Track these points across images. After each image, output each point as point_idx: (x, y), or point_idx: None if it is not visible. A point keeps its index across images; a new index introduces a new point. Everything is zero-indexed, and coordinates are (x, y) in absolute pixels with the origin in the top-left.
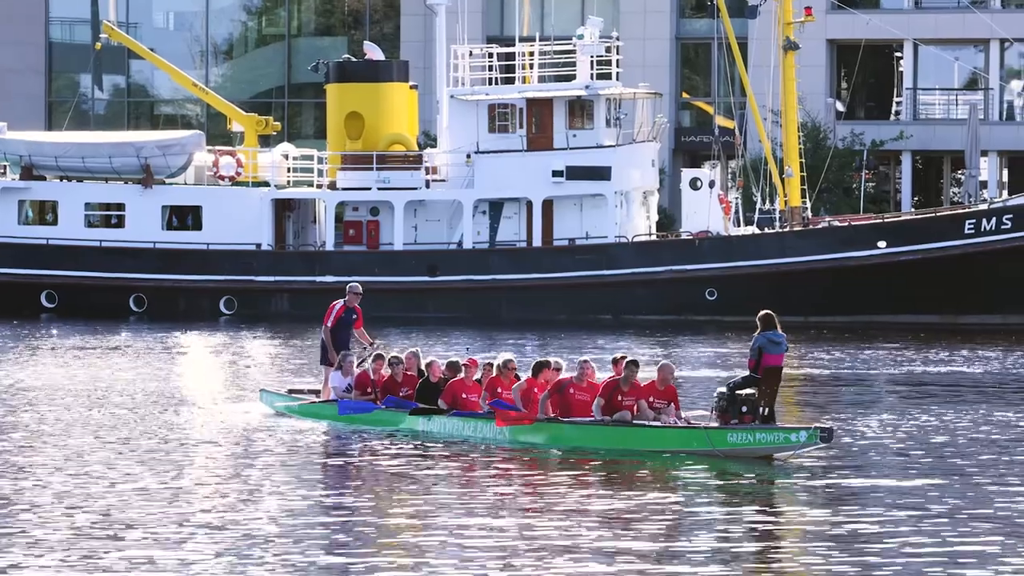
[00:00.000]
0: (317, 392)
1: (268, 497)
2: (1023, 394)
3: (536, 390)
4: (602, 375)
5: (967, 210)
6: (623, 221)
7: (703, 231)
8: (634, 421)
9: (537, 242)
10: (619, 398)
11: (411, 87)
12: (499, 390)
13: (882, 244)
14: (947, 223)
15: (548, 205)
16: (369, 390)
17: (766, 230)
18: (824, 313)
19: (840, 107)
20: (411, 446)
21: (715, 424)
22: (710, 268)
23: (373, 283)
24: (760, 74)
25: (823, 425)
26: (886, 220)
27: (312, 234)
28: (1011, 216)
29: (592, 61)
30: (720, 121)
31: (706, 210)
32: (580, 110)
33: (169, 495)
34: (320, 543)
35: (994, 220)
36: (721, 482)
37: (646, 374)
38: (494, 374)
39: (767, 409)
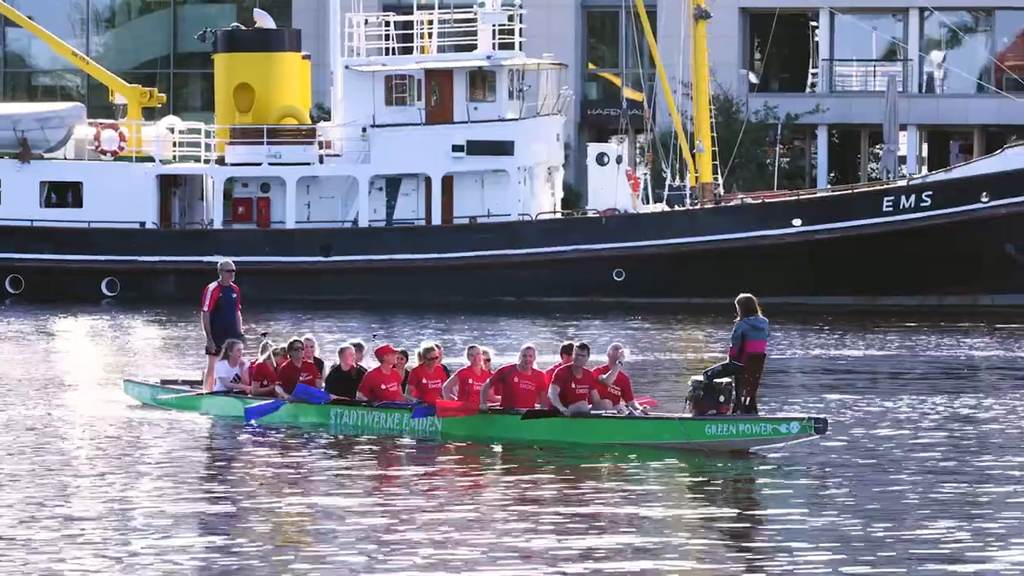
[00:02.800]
0: (193, 383)
1: (139, 499)
2: (948, 378)
3: (472, 380)
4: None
5: (885, 186)
6: (526, 198)
7: (610, 209)
8: (592, 412)
9: (436, 220)
10: (572, 386)
11: (303, 57)
12: (424, 381)
13: (797, 222)
14: (865, 200)
15: (448, 181)
16: (266, 382)
17: (676, 208)
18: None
19: (753, 79)
20: (324, 441)
21: (689, 415)
22: (617, 247)
23: (264, 263)
24: (670, 44)
25: (816, 415)
26: (801, 197)
27: (199, 212)
28: (931, 193)
29: (494, 30)
30: (628, 94)
31: (613, 187)
32: (481, 82)
33: (15, 495)
34: (196, 549)
35: (913, 197)
36: (687, 476)
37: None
38: (417, 363)
39: (748, 399)
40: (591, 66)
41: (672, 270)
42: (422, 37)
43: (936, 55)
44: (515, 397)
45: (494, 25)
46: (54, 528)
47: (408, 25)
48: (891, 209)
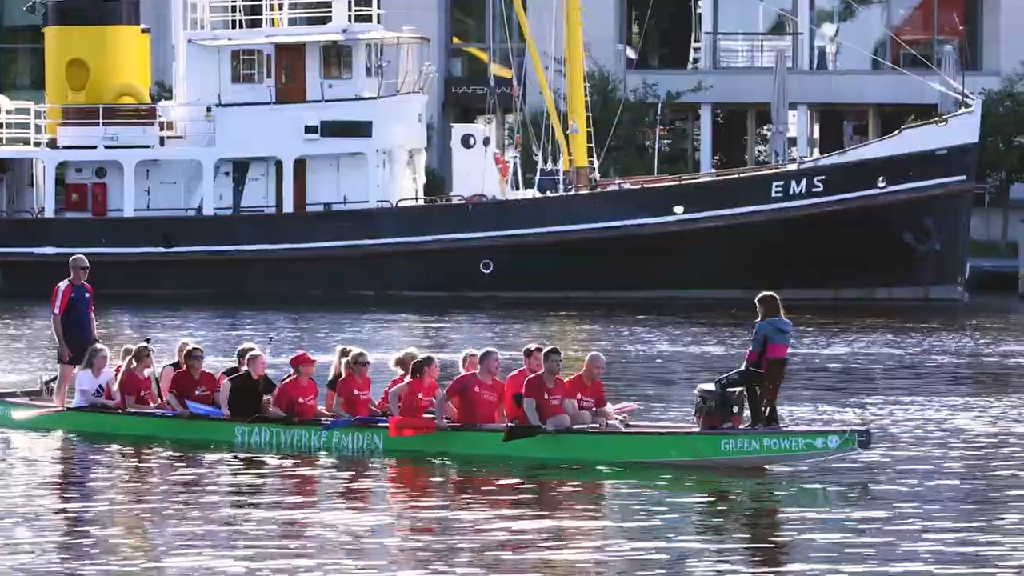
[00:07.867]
0: (33, 395)
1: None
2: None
3: (422, 395)
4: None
5: (774, 171)
6: (386, 183)
7: (477, 195)
8: (575, 427)
9: (288, 208)
10: (546, 397)
11: (143, 30)
12: (355, 392)
13: (679, 209)
14: (751, 185)
15: (300, 165)
16: (143, 393)
17: (548, 193)
18: (615, 288)
19: (631, 54)
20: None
21: (696, 428)
22: (485, 237)
23: (100, 255)
24: (541, 17)
25: (859, 427)
26: (683, 182)
27: (29, 199)
28: (823, 177)
29: (350, 1)
30: (496, 70)
31: (480, 171)
32: (336, 57)
33: None
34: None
35: (804, 182)
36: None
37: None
38: (343, 372)
39: (768, 408)
40: (456, 40)
41: (544, 261)
42: (272, 9)
43: (828, 29)
44: (476, 411)
45: None
46: None
47: None
48: (780, 195)
